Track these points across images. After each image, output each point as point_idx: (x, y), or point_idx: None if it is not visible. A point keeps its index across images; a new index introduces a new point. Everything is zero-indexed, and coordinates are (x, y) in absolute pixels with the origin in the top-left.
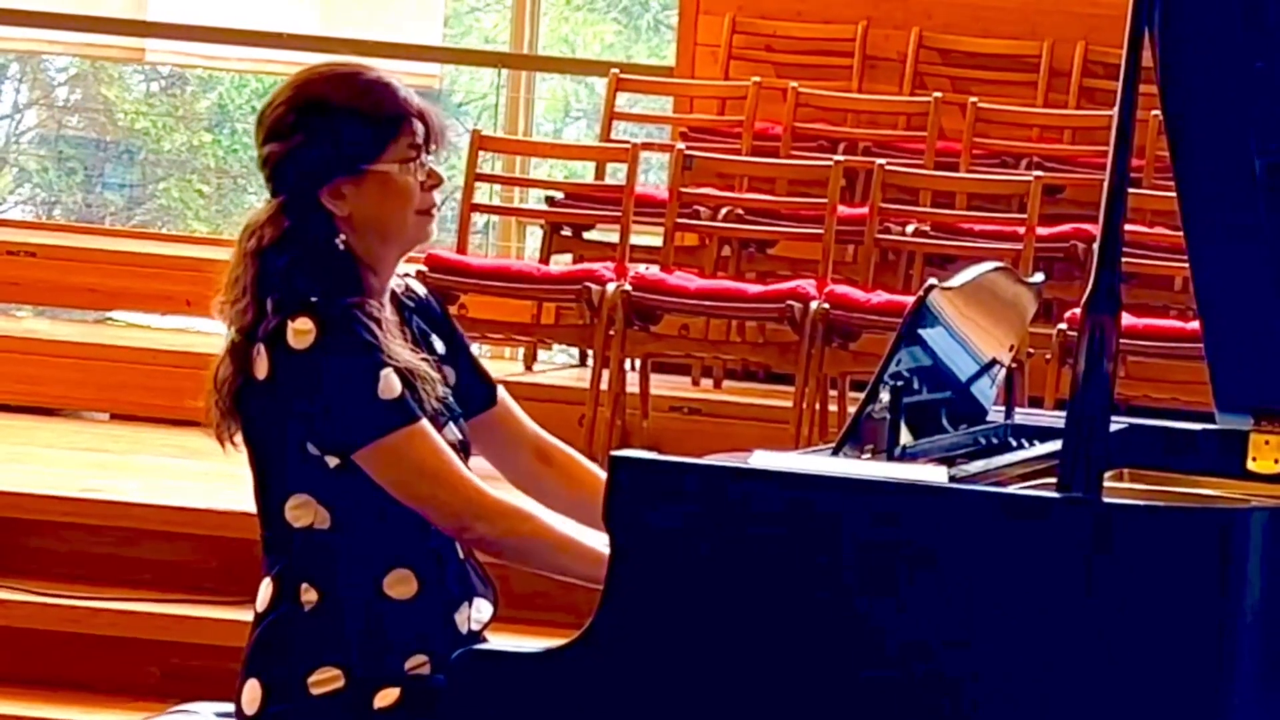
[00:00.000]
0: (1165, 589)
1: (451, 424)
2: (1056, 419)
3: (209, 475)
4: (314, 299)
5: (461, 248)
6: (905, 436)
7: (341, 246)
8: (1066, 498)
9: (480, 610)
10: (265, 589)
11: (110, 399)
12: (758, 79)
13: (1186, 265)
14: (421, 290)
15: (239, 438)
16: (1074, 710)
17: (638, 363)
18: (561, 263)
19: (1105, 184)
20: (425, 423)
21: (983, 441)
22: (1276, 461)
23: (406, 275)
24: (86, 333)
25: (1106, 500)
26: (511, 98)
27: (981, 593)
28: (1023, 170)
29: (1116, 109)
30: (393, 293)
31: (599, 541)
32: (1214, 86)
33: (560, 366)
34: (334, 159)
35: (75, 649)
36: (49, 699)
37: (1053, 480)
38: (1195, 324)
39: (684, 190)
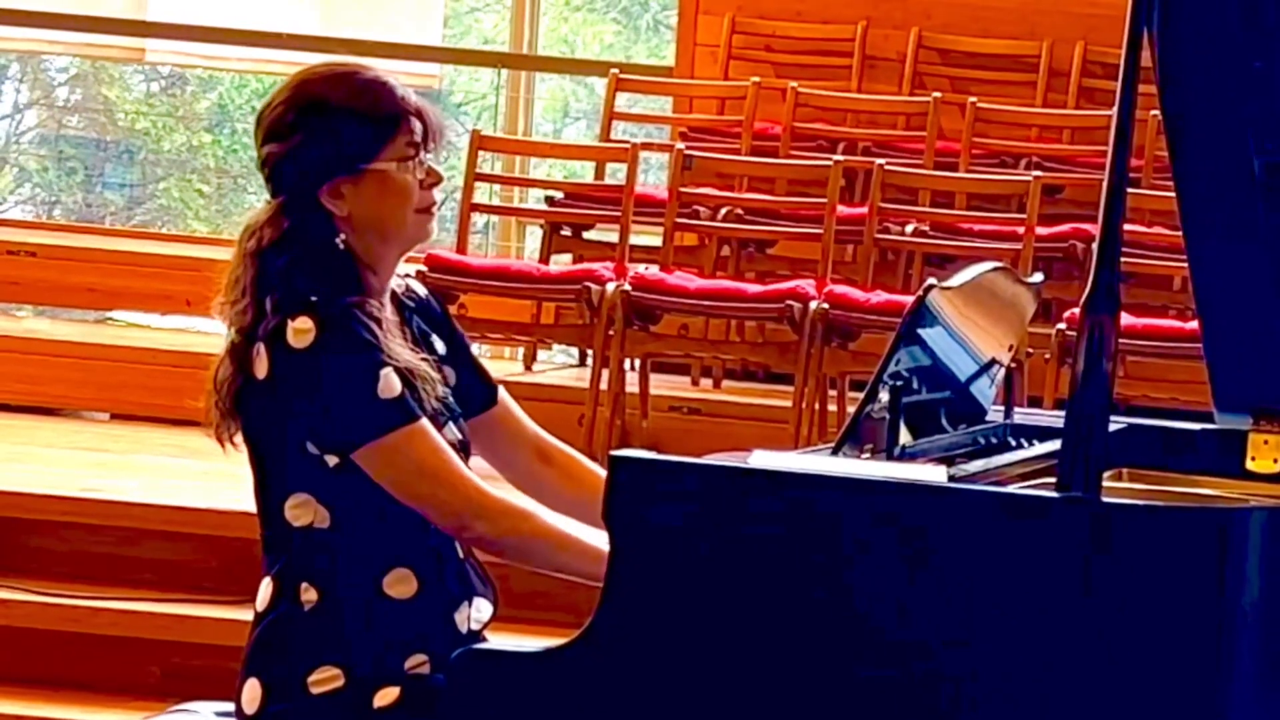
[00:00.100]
0: (1164, 588)
1: (451, 424)
2: (1056, 418)
3: (209, 475)
4: (314, 298)
5: (461, 247)
6: (904, 436)
7: (341, 246)
8: (1066, 497)
9: (480, 610)
10: (265, 588)
11: (110, 399)
12: (757, 79)
13: (1185, 265)
14: (422, 290)
15: (239, 438)
16: (1073, 710)
17: (637, 362)
18: (561, 263)
19: (1104, 184)
20: (425, 422)
21: (982, 441)
22: (1275, 461)
23: (407, 276)
24: (87, 332)
25: (1105, 500)
26: (511, 98)
27: (981, 592)
28: (1022, 170)
29: (1115, 109)
30: (393, 293)
31: (599, 540)
32: (1213, 86)
33: (560, 366)
34: (333, 158)
35: (76, 648)
36: (49, 698)
37: (1052, 480)
38: (1194, 324)
39: (683, 190)
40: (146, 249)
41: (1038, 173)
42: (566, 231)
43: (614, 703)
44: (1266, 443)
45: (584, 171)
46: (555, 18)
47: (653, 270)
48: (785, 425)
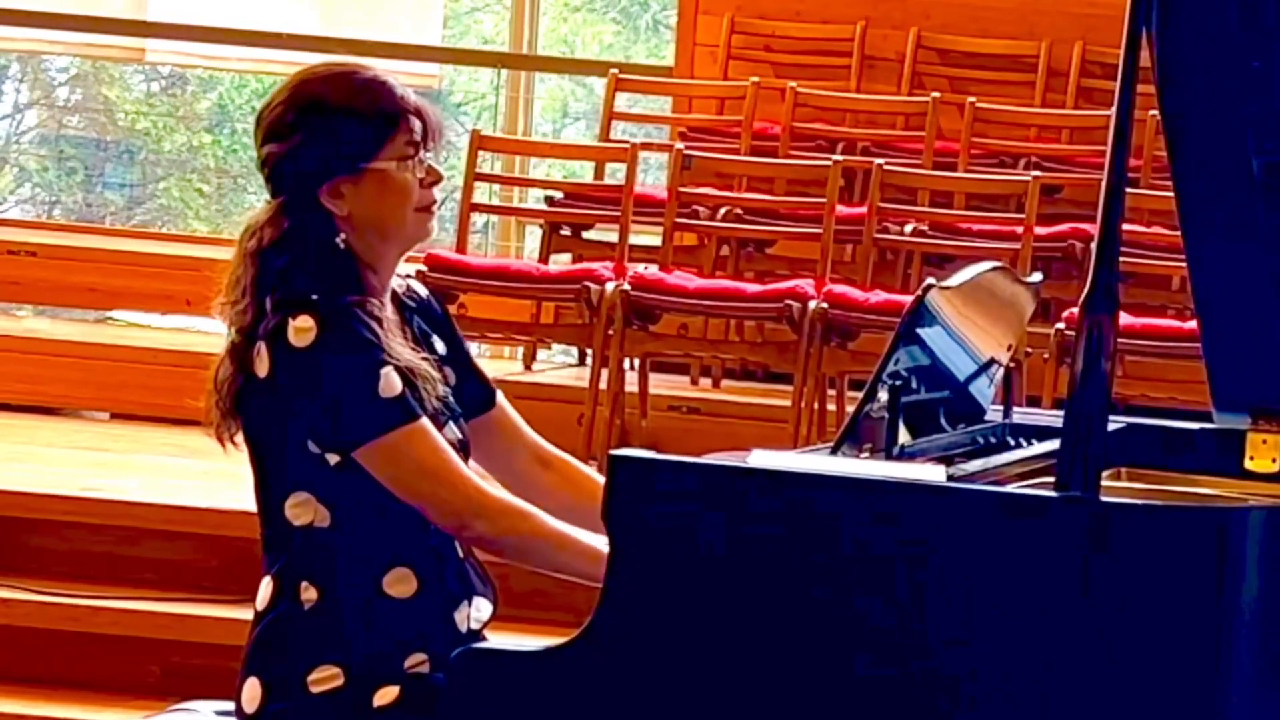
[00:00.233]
0: (1163, 588)
1: (452, 423)
2: (1054, 418)
3: (209, 474)
4: (315, 297)
5: (461, 247)
6: (904, 436)
7: (342, 245)
8: (1064, 497)
9: (480, 609)
10: (265, 587)
11: (110, 398)
12: (756, 79)
13: (1184, 265)
14: (423, 291)
15: (239, 437)
16: (1072, 709)
17: (637, 362)
18: (560, 262)
19: (1103, 183)
20: (425, 421)
21: (981, 441)
22: (1274, 460)
23: (408, 276)
24: (87, 332)
25: (1104, 499)
26: (511, 98)
27: (980, 591)
28: (1021, 170)
29: (1114, 109)
30: (394, 292)
31: (598, 541)
32: (1211, 86)
33: (559, 366)
34: (333, 158)
35: (76, 648)
36: (50, 698)
37: (1051, 479)
38: (1193, 323)
39: (683, 190)
40: (147, 249)
41: (1036, 173)
42: (566, 231)
43: (614, 702)
44: (1265, 442)
45: (583, 171)
46: (555, 18)
47: (652, 270)
48: (784, 425)
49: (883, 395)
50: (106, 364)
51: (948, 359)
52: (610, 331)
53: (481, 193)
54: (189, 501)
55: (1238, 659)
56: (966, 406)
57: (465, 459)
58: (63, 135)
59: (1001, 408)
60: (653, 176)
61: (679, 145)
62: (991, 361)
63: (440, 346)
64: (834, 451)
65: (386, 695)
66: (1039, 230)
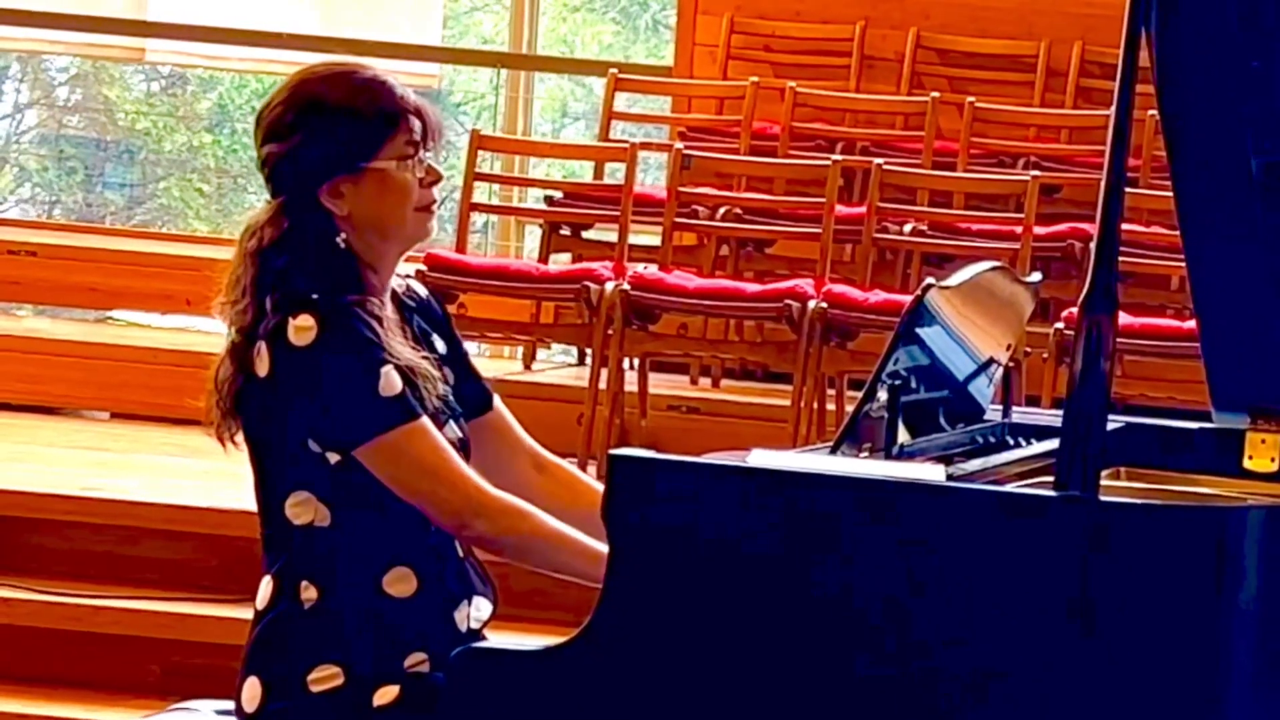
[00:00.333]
0: (1162, 587)
1: (452, 422)
2: (1054, 418)
3: (209, 474)
4: (315, 297)
5: (460, 247)
6: (903, 435)
7: (342, 245)
8: (1064, 496)
9: (479, 608)
10: (265, 587)
11: (111, 398)
12: (756, 79)
13: (1183, 264)
14: (423, 291)
15: (239, 437)
16: (1071, 708)
17: (636, 362)
18: (560, 262)
19: (1102, 183)
20: (426, 420)
21: (980, 440)
22: (1272, 460)
23: (408, 276)
24: (87, 332)
25: (1103, 499)
26: (510, 98)
27: (979, 591)
28: (1020, 170)
29: (1113, 109)
30: (394, 292)
31: (597, 541)
32: (1211, 86)
33: (559, 365)
34: (332, 157)
35: (77, 647)
36: (50, 697)
37: (1050, 479)
38: (1192, 323)
39: (682, 190)
40: (147, 248)
41: (1036, 172)
42: (565, 231)
43: (613, 701)
44: (1264, 441)
45: (583, 171)
46: (554, 18)
47: (651, 270)
48: (784, 424)
49: (882, 395)
50: (107, 364)
51: (947, 358)
52: (610, 331)
53: (481, 192)
54: (189, 501)
55: (1237, 658)
56: (966, 406)
57: (466, 458)
58: (63, 135)
59: (1001, 407)
60: (652, 176)
61: (678, 145)
62: (991, 361)
63: (440, 346)
64: (833, 451)
65: (386, 695)
66: (1038, 230)
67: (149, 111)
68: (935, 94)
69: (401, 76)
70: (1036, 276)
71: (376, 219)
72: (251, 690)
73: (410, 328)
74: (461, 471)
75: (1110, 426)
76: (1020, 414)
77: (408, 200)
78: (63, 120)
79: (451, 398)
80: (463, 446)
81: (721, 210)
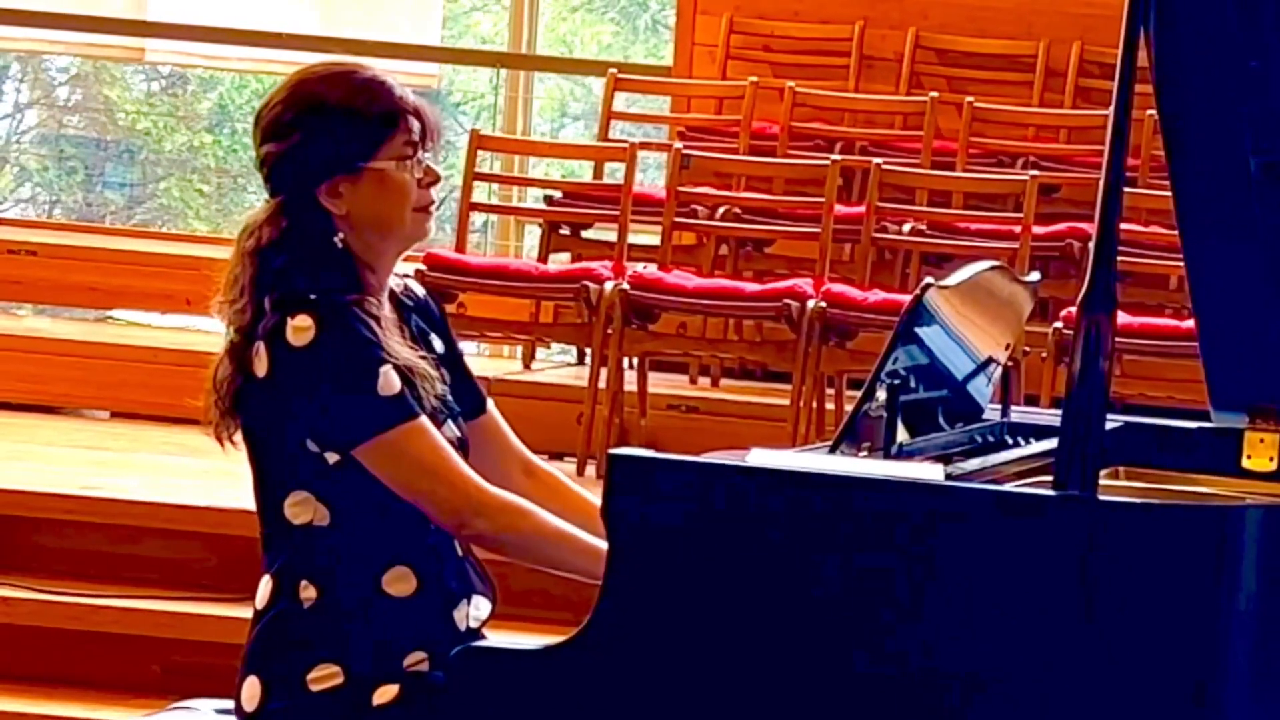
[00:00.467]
0: (1161, 586)
1: (450, 421)
2: (1052, 417)
3: (209, 473)
4: (313, 296)
5: (460, 246)
6: (902, 434)
7: (340, 245)
8: (1062, 495)
9: (479, 607)
10: (265, 586)
11: (111, 397)
12: (755, 79)
13: (1182, 264)
14: (421, 291)
15: (238, 436)
16: (1070, 706)
17: (635, 361)
18: (560, 261)
19: (1101, 183)
20: (424, 419)
21: (979, 439)
22: (1271, 459)
23: (406, 276)
24: (87, 331)
25: (1102, 498)
26: (510, 97)
27: (978, 590)
28: (1019, 170)
29: (1112, 108)
30: (392, 292)
31: (597, 540)
32: (1209, 86)
33: (558, 365)
34: (331, 157)
35: (77, 646)
36: (51, 696)
37: (1049, 478)
38: (1190, 322)
39: (681, 189)
40: (147, 248)
41: (1034, 172)
42: (565, 230)
43: (612, 700)
44: (1262, 441)
45: (582, 171)
46: (554, 18)
47: (651, 269)
48: (783, 424)
49: (881, 394)
50: (107, 363)
51: (946, 358)
52: (609, 330)
53: (480, 192)
54: (189, 500)
55: (1235, 657)
56: (965, 405)
57: (464, 457)
58: (63, 135)
59: (999, 406)
60: (651, 176)
61: (678, 145)
62: (990, 360)
63: (438, 345)
64: (833, 450)
65: (386, 694)
66: (1037, 229)
67: (149, 111)
68: (934, 94)
69: (401, 76)
70: (1035, 276)
71: (375, 219)
72: (251, 689)
73: (408, 327)
74: (461, 470)
75: (1109, 426)
76: (1019, 413)
77: (406, 200)
78: (63, 120)
79: (450, 397)
80: (461, 446)
81: (721, 210)
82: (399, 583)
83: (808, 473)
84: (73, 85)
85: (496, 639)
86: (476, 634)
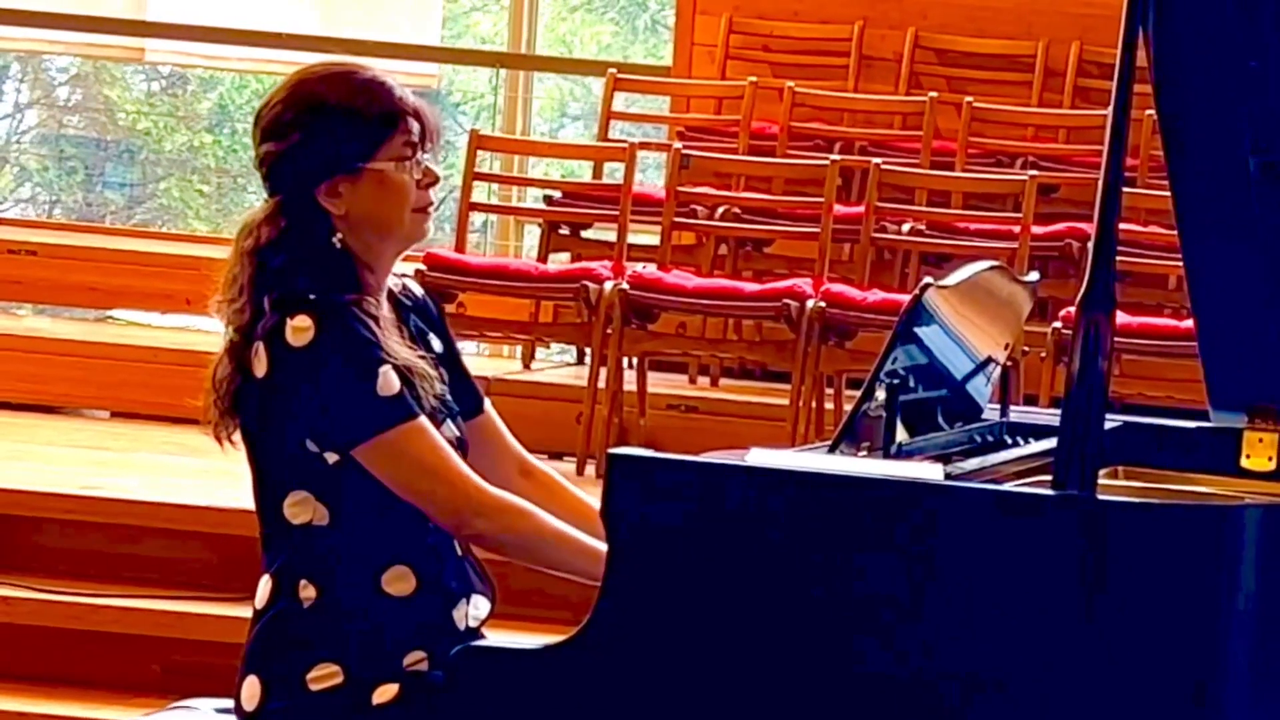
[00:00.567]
0: (1160, 586)
1: (449, 421)
2: (1051, 417)
3: (209, 473)
4: (312, 297)
5: (460, 246)
6: (901, 434)
7: (339, 245)
8: (1061, 495)
9: (478, 607)
10: (264, 586)
11: (111, 397)
12: (754, 79)
13: (1181, 264)
14: (419, 291)
15: (237, 436)
16: (1070, 706)
17: (635, 361)
18: (559, 261)
19: (1100, 183)
20: (424, 419)
21: (978, 439)
22: (1270, 459)
23: (404, 275)
24: (87, 331)
25: (1101, 497)
26: (509, 97)
27: (977, 589)
28: (1018, 169)
29: (1111, 108)
30: (390, 291)
31: (596, 540)
32: (1209, 86)
33: (558, 365)
34: (330, 157)
35: (77, 646)
36: (51, 695)
37: (1048, 478)
38: (1189, 322)
39: (681, 189)
40: (147, 248)
41: (1033, 172)
42: (565, 230)
43: (612, 700)
44: (1261, 440)
45: (582, 171)
46: (553, 18)
47: (650, 269)
48: (782, 423)
49: (880, 394)
50: (107, 363)
51: (945, 358)
52: (609, 330)
53: (480, 192)
54: (189, 500)
55: (1234, 656)
56: (964, 405)
57: (463, 457)
58: (63, 135)
59: (999, 406)
60: (651, 176)
61: (677, 145)
62: (989, 360)
63: (436, 345)
64: (832, 450)
65: (385, 693)
66: (1036, 229)
67: (149, 111)
68: (933, 94)
69: (400, 76)
70: (1034, 276)
71: (373, 219)
72: (251, 689)
73: (407, 327)
74: (460, 470)
75: (1108, 425)
76: (1018, 413)
77: (405, 201)
78: (63, 120)
79: (449, 396)
80: (460, 445)
81: (720, 210)
82: (398, 582)
83: (807, 472)
84: (73, 85)
85: (496, 638)
86: (476, 633)
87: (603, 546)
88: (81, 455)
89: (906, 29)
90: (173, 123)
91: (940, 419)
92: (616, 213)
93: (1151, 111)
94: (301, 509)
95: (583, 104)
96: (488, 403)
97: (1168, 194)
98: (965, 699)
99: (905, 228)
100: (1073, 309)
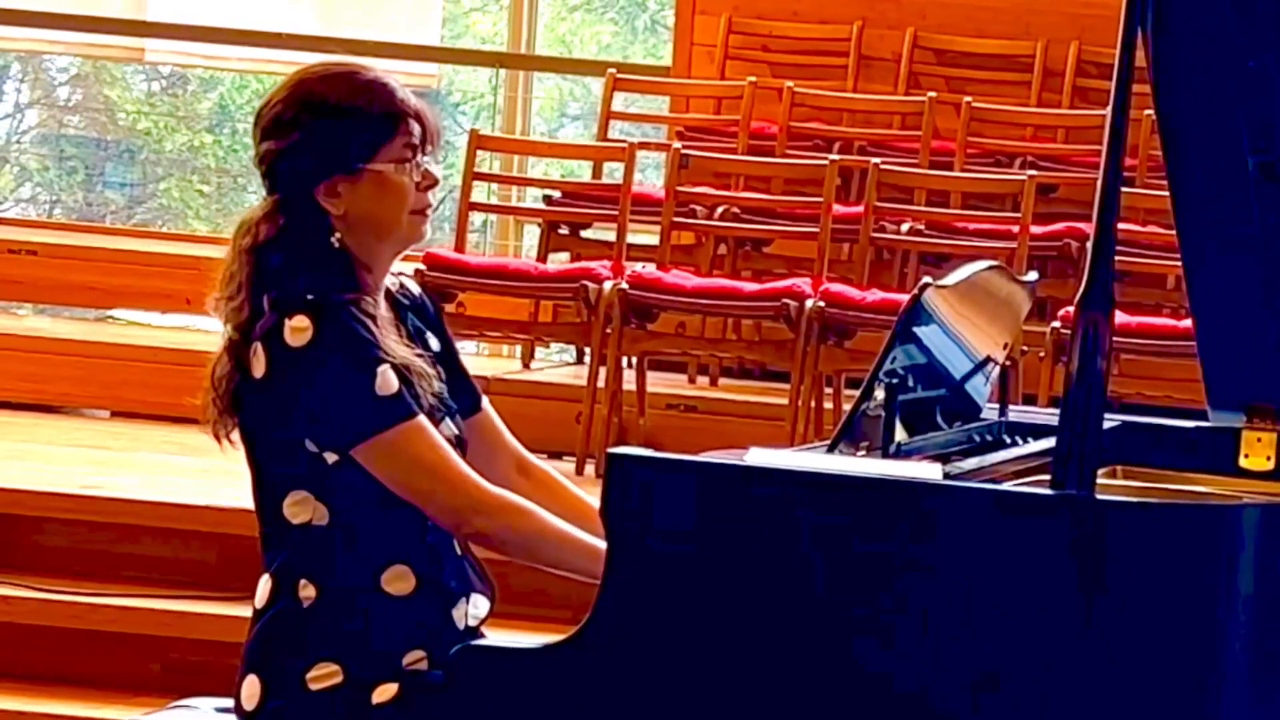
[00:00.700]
0: (1158, 585)
1: (448, 419)
2: (1050, 416)
3: (209, 472)
4: (310, 297)
5: (459, 246)
6: (900, 434)
7: (337, 244)
8: (1060, 494)
9: (477, 606)
10: (264, 585)
11: (111, 396)
12: (754, 79)
13: (1179, 263)
14: (416, 289)
15: (236, 434)
16: (1069, 705)
17: (634, 360)
18: (559, 261)
19: (1099, 183)
20: (423, 418)
21: (977, 439)
22: (1268, 458)
23: (401, 274)
24: (87, 331)
25: (1100, 497)
26: (509, 97)
27: (976, 588)
28: (1017, 169)
29: (1110, 108)
30: (388, 290)
31: (596, 538)
32: (1207, 85)
33: (558, 364)
34: (330, 157)
35: (76, 645)
36: (51, 694)
37: (1047, 477)
38: (1188, 322)
39: (680, 189)
40: (147, 248)
41: (1032, 172)
42: (564, 230)
43: (611, 699)
44: (1260, 440)
45: (581, 171)
46: (553, 18)
47: (650, 269)
48: (782, 423)
49: (879, 393)
50: (107, 362)
51: (944, 357)
52: (608, 330)
53: (480, 192)
54: (189, 499)
55: (1232, 656)
56: (963, 405)
57: (462, 455)
58: (63, 135)
59: (998, 406)
60: (650, 176)
61: (676, 145)
62: (988, 360)
63: (434, 343)
64: (831, 450)
65: (385, 692)
66: (1035, 229)
67: (149, 111)
68: (932, 94)
69: (400, 76)
70: (1033, 275)
71: (372, 220)
72: (251, 688)
73: (404, 326)
74: (459, 469)
75: (1107, 425)
76: (1017, 412)
77: (404, 203)
78: (63, 120)
79: (447, 395)
80: (459, 444)
81: (719, 210)
82: (398, 582)
83: (806, 472)
84: (73, 85)
85: (495, 638)
86: (475, 633)
87: (602, 545)
88: (82, 455)
89: (905, 29)
90: (173, 123)
91: (939, 418)
92: (616, 213)
93: (1150, 111)
94: (301, 509)
95: (582, 104)
96: (486, 401)
97: (1166, 194)
98: (964, 698)
99: (904, 227)
100: (1071, 308)
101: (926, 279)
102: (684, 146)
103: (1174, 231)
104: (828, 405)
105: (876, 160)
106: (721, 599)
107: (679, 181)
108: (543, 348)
